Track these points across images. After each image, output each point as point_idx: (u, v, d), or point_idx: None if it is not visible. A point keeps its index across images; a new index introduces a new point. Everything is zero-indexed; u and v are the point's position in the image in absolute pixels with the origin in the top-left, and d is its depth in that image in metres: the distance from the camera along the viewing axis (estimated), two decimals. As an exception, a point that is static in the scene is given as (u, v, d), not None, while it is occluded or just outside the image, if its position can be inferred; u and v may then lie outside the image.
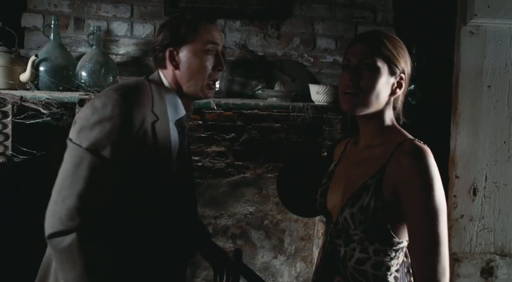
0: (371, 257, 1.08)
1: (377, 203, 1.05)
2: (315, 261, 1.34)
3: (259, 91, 2.24)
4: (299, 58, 2.34)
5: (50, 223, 1.06)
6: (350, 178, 1.15)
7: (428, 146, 1.05)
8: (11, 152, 1.88)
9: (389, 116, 1.14)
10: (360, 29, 2.35)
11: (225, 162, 2.40)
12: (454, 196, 1.90)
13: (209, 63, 1.24)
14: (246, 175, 2.43)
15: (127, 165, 1.12)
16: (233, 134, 2.37)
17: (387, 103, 1.12)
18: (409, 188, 1.00)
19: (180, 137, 1.27)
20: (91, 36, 2.07)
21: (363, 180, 1.09)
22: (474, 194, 1.88)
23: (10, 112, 1.86)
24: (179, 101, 1.26)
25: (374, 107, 1.09)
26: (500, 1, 1.81)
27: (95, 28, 2.06)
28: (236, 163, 2.41)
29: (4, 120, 1.87)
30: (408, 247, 1.08)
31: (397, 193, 1.03)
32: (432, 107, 2.05)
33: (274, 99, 2.08)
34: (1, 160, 1.82)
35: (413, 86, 2.10)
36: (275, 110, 2.12)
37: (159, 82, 1.26)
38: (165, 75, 1.27)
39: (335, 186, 1.20)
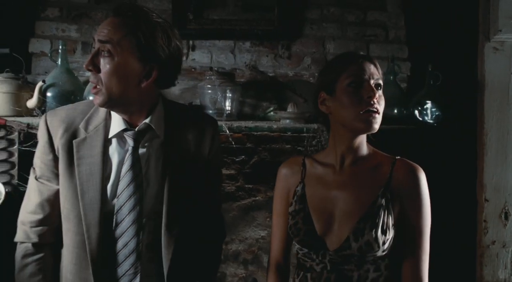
0: (383, 273, 1.11)
1: (392, 220, 1.09)
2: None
3: (271, 113, 2.19)
4: (311, 78, 2.30)
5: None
6: (346, 201, 1.11)
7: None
8: (17, 181, 1.83)
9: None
10: (372, 47, 2.32)
11: (236, 185, 2.34)
12: (484, 221, 1.81)
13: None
14: (257, 198, 2.37)
15: (57, 182, 1.17)
16: (243, 156, 2.32)
17: None
18: (414, 202, 1.09)
19: (124, 156, 1.14)
20: (99, 61, 2.04)
21: (370, 200, 1.09)
22: (506, 218, 1.80)
23: (16, 140, 1.82)
24: (117, 115, 1.15)
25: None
26: (525, 17, 1.76)
27: (103, 52, 2.03)
28: (246, 186, 2.35)
29: (10, 149, 1.83)
30: (403, 254, 1.12)
31: (400, 207, 1.10)
32: (454, 127, 1.98)
33: (287, 121, 2.03)
34: (7, 189, 1.77)
35: (430, 104, 2.04)
36: (288, 133, 2.06)
37: None
38: None
39: (321, 210, 1.14)
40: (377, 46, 2.31)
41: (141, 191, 1.14)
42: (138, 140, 1.15)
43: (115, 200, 1.13)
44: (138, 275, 1.13)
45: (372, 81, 1.08)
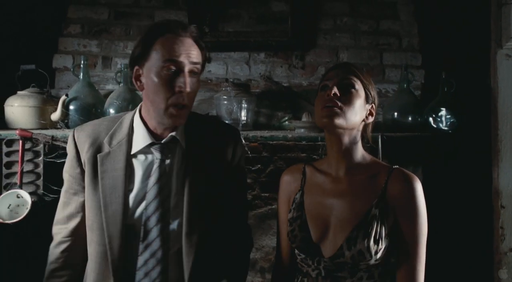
0: (376, 281, 1.13)
1: (385, 229, 1.10)
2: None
3: (286, 122, 2.21)
4: (325, 88, 2.31)
5: None
6: (341, 209, 1.14)
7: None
8: (42, 191, 1.90)
9: (360, 144, 1.20)
10: (386, 56, 2.32)
11: (252, 193, 2.36)
12: (501, 228, 1.78)
13: (167, 84, 1.10)
14: (273, 206, 2.38)
15: (84, 194, 1.21)
16: (259, 165, 2.34)
17: (358, 130, 1.18)
18: (408, 211, 1.10)
19: (151, 169, 1.16)
20: (118, 74, 2.11)
21: (365, 209, 1.11)
22: (523, 224, 1.78)
23: (41, 151, 1.89)
24: (142, 129, 1.18)
25: (350, 124, 1.14)
26: (537, 23, 1.75)
27: (122, 65, 2.10)
28: (262, 194, 2.36)
29: (36, 160, 1.90)
30: (398, 264, 1.13)
31: (395, 217, 1.11)
32: (469, 134, 1.97)
33: (302, 130, 2.05)
34: (33, 199, 1.83)
35: (444, 111, 2.04)
36: (303, 142, 2.08)
37: (140, 109, 1.23)
38: (143, 98, 1.21)
39: (317, 218, 1.16)
40: (391, 55, 2.32)
41: (168, 201, 1.16)
42: (164, 152, 1.18)
43: (138, 211, 1.15)
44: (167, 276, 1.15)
45: (335, 84, 1.14)
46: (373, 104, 1.20)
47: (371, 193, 1.13)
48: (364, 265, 1.11)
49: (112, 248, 1.14)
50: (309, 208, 1.19)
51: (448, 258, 2.09)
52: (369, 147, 1.24)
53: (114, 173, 1.16)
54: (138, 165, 1.18)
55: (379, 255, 1.10)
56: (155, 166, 1.17)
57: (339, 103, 1.12)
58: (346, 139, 1.16)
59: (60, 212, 1.26)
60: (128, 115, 1.25)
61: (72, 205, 1.24)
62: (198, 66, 1.15)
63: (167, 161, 1.18)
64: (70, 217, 1.24)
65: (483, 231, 1.91)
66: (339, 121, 1.12)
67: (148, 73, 1.12)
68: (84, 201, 1.22)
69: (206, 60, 1.21)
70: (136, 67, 1.15)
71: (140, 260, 1.15)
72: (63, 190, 1.27)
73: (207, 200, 1.18)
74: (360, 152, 1.20)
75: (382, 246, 1.10)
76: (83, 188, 1.22)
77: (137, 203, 1.16)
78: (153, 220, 1.15)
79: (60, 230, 1.26)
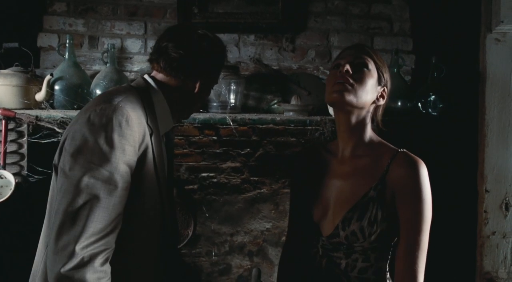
0: (373, 264, 1.12)
1: (383, 213, 1.08)
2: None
3: (275, 105, 2.20)
4: (315, 71, 2.30)
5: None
6: (342, 190, 1.14)
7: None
8: (26, 172, 1.88)
9: (370, 127, 1.17)
10: (377, 40, 2.31)
11: (241, 177, 2.36)
12: (485, 211, 1.81)
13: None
14: (262, 190, 2.39)
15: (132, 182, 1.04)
16: (248, 149, 2.33)
17: (368, 111, 1.16)
18: (409, 196, 1.05)
19: (166, 150, 1.22)
20: (105, 54, 2.07)
21: (363, 191, 1.10)
22: (507, 209, 1.80)
23: (25, 132, 1.86)
24: (168, 112, 1.18)
25: (361, 103, 1.11)
26: (527, 7, 1.75)
27: (109, 46, 2.07)
28: (251, 178, 2.36)
29: (19, 140, 1.87)
30: (397, 248, 1.10)
31: (395, 201, 1.08)
32: (456, 119, 1.98)
33: (291, 113, 2.04)
34: (16, 180, 1.81)
35: (433, 96, 2.04)
36: (292, 125, 2.08)
37: (146, 90, 1.15)
38: (159, 82, 1.18)
39: (320, 197, 1.18)
40: (382, 39, 2.30)
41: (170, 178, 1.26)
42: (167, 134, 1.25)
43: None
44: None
45: (347, 62, 1.12)
46: (385, 88, 1.17)
47: (372, 175, 1.11)
48: (359, 247, 1.11)
49: (167, 231, 1.16)
50: (314, 187, 1.20)
51: (433, 242, 2.13)
52: (378, 129, 1.21)
53: (160, 150, 1.15)
54: (164, 147, 1.21)
55: (373, 237, 1.08)
56: (162, 145, 1.19)
57: (351, 80, 1.09)
58: (354, 119, 1.14)
59: (102, 220, 0.97)
60: (143, 94, 1.14)
61: (122, 204, 1.00)
62: None
63: (164, 140, 1.23)
64: (119, 221, 1.00)
65: (468, 214, 1.94)
66: (349, 97, 1.09)
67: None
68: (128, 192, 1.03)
69: None
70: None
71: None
72: (110, 189, 0.98)
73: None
74: (368, 134, 1.17)
75: (378, 229, 1.08)
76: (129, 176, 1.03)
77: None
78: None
79: (104, 243, 0.98)
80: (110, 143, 0.98)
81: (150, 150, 1.08)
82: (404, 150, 1.13)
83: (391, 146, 1.17)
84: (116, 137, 0.98)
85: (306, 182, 1.24)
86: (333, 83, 1.11)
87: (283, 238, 2.40)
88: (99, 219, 0.96)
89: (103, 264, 0.97)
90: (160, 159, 1.13)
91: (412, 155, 1.11)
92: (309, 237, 1.20)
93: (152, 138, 1.10)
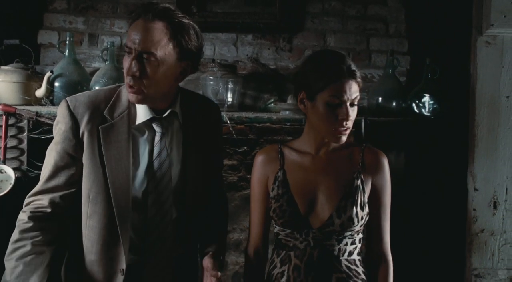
0: (357, 246, 1.27)
1: (365, 198, 1.25)
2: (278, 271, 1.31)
3: (272, 104, 2.23)
4: (311, 71, 2.33)
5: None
6: (326, 183, 1.24)
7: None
8: (26, 167, 1.90)
9: None
10: (372, 41, 2.34)
11: (238, 175, 2.38)
12: (474, 209, 1.84)
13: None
14: (258, 188, 2.41)
15: (75, 167, 1.19)
16: (245, 147, 2.36)
17: None
18: (382, 180, 1.28)
19: (153, 142, 1.22)
20: (105, 52, 2.10)
21: (349, 181, 1.24)
22: (495, 207, 1.83)
23: (25, 127, 1.89)
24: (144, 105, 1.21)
25: None
26: (516, 11, 1.79)
27: (108, 43, 2.09)
28: (248, 176, 2.38)
29: (19, 136, 1.90)
30: (369, 225, 1.30)
31: (369, 185, 1.27)
32: (449, 119, 2.02)
33: (287, 112, 2.07)
34: (16, 175, 1.84)
35: (427, 97, 2.08)
36: (288, 124, 2.11)
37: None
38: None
39: (304, 193, 1.25)
40: (377, 40, 2.33)
41: (170, 172, 1.23)
42: (164, 126, 1.23)
43: (144, 182, 1.21)
44: (168, 240, 1.24)
45: (349, 102, 1.18)
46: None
47: (351, 167, 1.27)
48: (350, 231, 1.24)
49: (121, 218, 1.18)
50: (294, 184, 1.26)
51: (423, 238, 2.17)
52: (352, 131, 1.30)
53: (118, 144, 1.18)
54: (140, 138, 1.22)
55: (363, 219, 1.24)
56: (157, 139, 1.21)
57: (350, 125, 1.20)
58: None
59: (42, 185, 1.20)
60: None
61: (60, 178, 1.19)
62: (153, 52, 1.14)
63: (167, 134, 1.24)
64: (54, 189, 1.19)
65: (458, 212, 1.98)
66: (344, 138, 1.22)
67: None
68: (74, 174, 1.19)
69: None
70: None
71: (146, 227, 1.23)
72: (48, 163, 1.20)
73: (202, 168, 1.29)
74: None
75: (366, 211, 1.25)
76: (76, 161, 1.19)
77: (142, 175, 1.21)
78: (157, 190, 1.21)
79: (38, 200, 1.20)
80: (55, 127, 1.22)
81: (91, 139, 1.17)
82: (368, 144, 1.33)
83: (354, 142, 1.39)
84: (59, 121, 1.21)
85: (279, 180, 1.27)
86: (335, 127, 1.20)
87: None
88: (41, 183, 1.22)
89: (29, 215, 1.19)
90: (119, 148, 1.17)
91: (375, 148, 1.31)
92: (297, 232, 1.25)
93: (104, 127, 1.17)
